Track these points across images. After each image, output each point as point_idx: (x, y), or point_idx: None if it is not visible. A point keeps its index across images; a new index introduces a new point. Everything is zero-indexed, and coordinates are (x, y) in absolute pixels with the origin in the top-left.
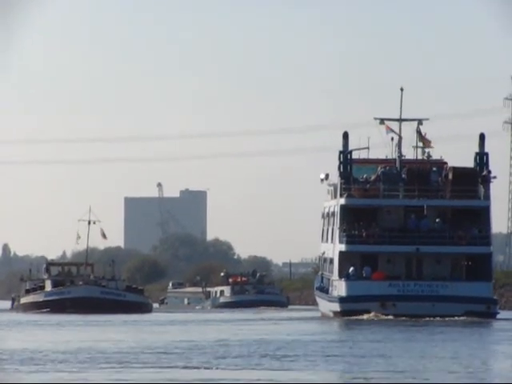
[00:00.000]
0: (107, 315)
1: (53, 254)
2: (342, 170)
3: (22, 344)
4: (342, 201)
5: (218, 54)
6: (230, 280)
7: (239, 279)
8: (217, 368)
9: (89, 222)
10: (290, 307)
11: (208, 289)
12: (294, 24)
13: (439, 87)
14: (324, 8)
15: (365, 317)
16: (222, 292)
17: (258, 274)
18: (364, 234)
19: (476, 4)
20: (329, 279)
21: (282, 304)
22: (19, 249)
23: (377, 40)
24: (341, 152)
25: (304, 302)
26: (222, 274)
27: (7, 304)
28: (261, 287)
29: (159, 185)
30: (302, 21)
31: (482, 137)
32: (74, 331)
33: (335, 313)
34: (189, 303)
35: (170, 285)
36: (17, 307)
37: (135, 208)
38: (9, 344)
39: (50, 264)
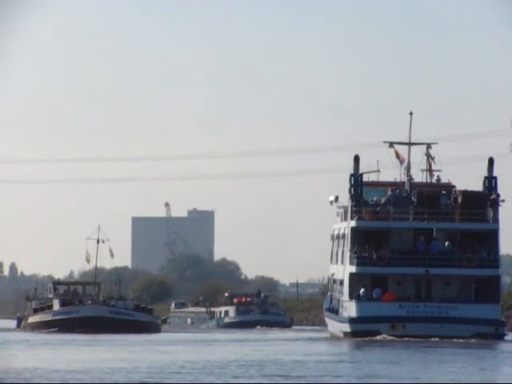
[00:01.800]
0: (116, 335)
1: (60, 274)
2: (352, 192)
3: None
4: (353, 223)
5: (225, 74)
6: (235, 300)
7: (244, 299)
8: None
9: (98, 241)
10: (294, 327)
11: (212, 309)
12: (305, 43)
13: (447, 110)
14: (336, 27)
15: (376, 338)
16: (226, 312)
17: (262, 295)
18: (374, 256)
19: (485, 25)
20: (339, 300)
21: (285, 324)
22: (26, 268)
23: (386, 62)
24: (352, 175)
25: (311, 322)
26: (227, 294)
27: (14, 323)
28: (265, 307)
29: (167, 204)
30: (314, 39)
31: (490, 161)
32: (92, 351)
33: (345, 333)
34: (192, 323)
35: (173, 305)
36: (24, 326)
37: (143, 228)
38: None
39: (56, 283)
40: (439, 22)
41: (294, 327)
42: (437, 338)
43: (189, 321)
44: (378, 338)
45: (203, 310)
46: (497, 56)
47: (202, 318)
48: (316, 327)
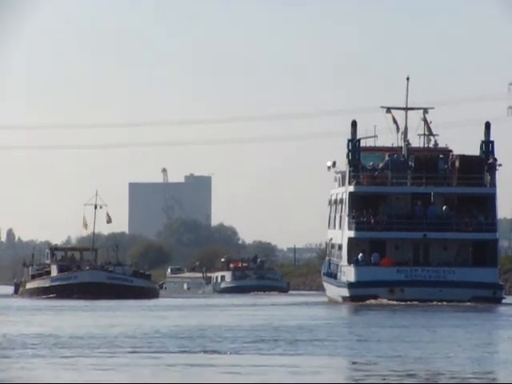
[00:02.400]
0: (115, 301)
1: (58, 240)
2: (350, 157)
3: (38, 329)
4: (351, 188)
5: (222, 38)
6: (231, 265)
7: (240, 265)
8: (230, 353)
9: (95, 207)
10: (291, 292)
11: (209, 274)
12: (302, 11)
13: (444, 74)
14: None
15: (374, 301)
16: (222, 277)
17: (258, 260)
18: (372, 221)
19: None
20: (337, 265)
21: (282, 289)
22: (24, 234)
23: (385, 28)
24: (349, 140)
25: (309, 287)
26: (223, 259)
27: (11, 289)
28: (261, 272)
29: (164, 170)
30: (312, 5)
31: (487, 125)
32: (94, 317)
33: (344, 298)
34: (188, 288)
35: (169, 270)
36: (22, 293)
37: (140, 193)
38: (25, 329)
39: (54, 249)
40: None
41: (290, 292)
42: (435, 302)
43: (185, 286)
44: (375, 301)
45: (199, 275)
46: (494, 20)
47: (198, 283)
48: (313, 292)
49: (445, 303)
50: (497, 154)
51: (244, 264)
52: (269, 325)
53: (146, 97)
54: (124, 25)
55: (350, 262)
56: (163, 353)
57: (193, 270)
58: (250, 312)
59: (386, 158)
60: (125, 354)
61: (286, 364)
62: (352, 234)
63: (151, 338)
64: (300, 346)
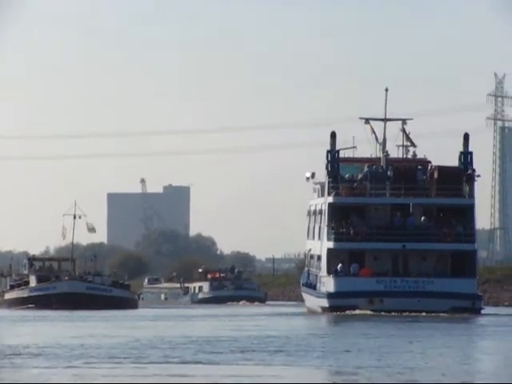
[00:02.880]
0: (94, 311)
1: (36, 250)
2: (329, 168)
3: (22, 340)
4: (330, 199)
5: (203, 50)
6: (209, 276)
7: (218, 275)
8: (219, 364)
9: (74, 217)
10: (268, 302)
11: (186, 284)
12: (282, 21)
13: (422, 85)
14: (312, 7)
15: (354, 312)
16: (200, 288)
17: (236, 270)
18: (352, 232)
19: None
20: (316, 275)
21: (259, 299)
22: (2, 244)
23: (362, 39)
24: (328, 151)
25: (287, 297)
26: (201, 270)
27: None
28: (239, 283)
29: (142, 180)
30: (291, 19)
31: (466, 137)
32: (74, 327)
33: (323, 308)
34: (166, 298)
35: (146, 280)
36: (0, 303)
37: (118, 204)
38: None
39: (31, 259)
40: None
41: (268, 302)
42: (414, 313)
43: (162, 296)
44: (355, 312)
45: (177, 285)
46: (472, 30)
47: (175, 293)
48: (292, 302)
49: (424, 314)
50: (475, 165)
51: (221, 274)
52: (253, 336)
53: (126, 107)
54: (109, 34)
55: (329, 272)
56: (148, 363)
57: (170, 280)
58: (234, 323)
59: (365, 169)
60: (105, 363)
61: (270, 374)
62: (331, 244)
63: (132, 349)
64: (284, 356)
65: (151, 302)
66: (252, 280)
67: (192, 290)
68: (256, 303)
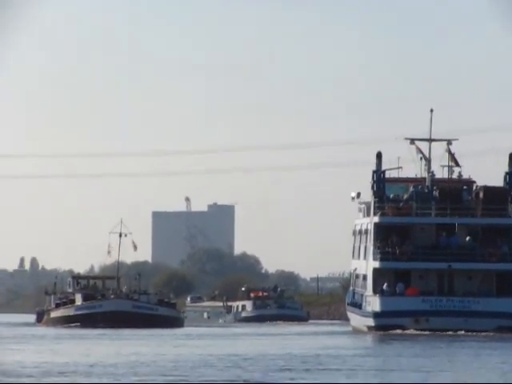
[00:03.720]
0: (139, 329)
1: (81, 268)
2: (375, 188)
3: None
4: (376, 219)
5: (241, 66)
6: (252, 295)
7: (260, 294)
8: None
9: (120, 235)
10: (310, 321)
11: (229, 303)
12: (324, 37)
13: (466, 104)
14: (352, 20)
15: (401, 331)
16: (243, 306)
17: (278, 289)
18: (397, 251)
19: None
20: (362, 295)
21: (302, 318)
22: (48, 263)
23: (405, 57)
24: (374, 171)
25: (331, 316)
26: (243, 288)
27: (33, 318)
28: (282, 302)
29: (187, 199)
30: (331, 34)
31: (511, 156)
32: (126, 345)
33: (369, 327)
34: (208, 317)
35: (189, 299)
36: (46, 321)
37: (163, 222)
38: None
39: (75, 277)
40: (456, 16)
41: (310, 321)
42: (461, 331)
43: (205, 315)
44: (401, 331)
45: (219, 304)
46: None
47: (218, 312)
48: (336, 321)
49: (469, 333)
50: None
51: (264, 293)
52: (307, 354)
53: (171, 126)
54: (139, 48)
55: (375, 291)
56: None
57: (212, 298)
58: (284, 341)
59: (411, 189)
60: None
61: None
62: (377, 264)
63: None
64: (337, 375)
65: (194, 320)
66: (294, 299)
67: (235, 309)
68: (297, 322)
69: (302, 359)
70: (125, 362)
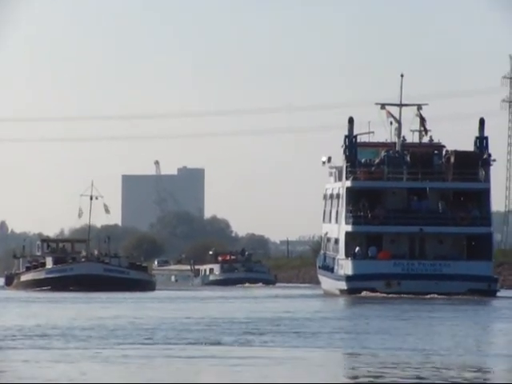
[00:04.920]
0: (111, 293)
1: (51, 232)
2: (347, 153)
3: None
4: (348, 183)
5: (216, 32)
6: (219, 258)
7: (228, 257)
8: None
9: (91, 197)
10: (279, 285)
11: (197, 267)
12: (298, 7)
13: (436, 68)
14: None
15: (372, 294)
16: (211, 270)
17: (246, 253)
18: (369, 215)
19: None
20: (333, 258)
21: (269, 282)
22: (17, 226)
23: (374, 24)
24: (346, 136)
25: (301, 279)
26: (211, 252)
27: (1, 281)
28: (249, 265)
29: (156, 163)
30: (309, 6)
31: (481, 121)
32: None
33: (342, 291)
34: (176, 280)
35: (156, 262)
36: (17, 285)
37: (133, 186)
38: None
39: (44, 241)
40: None
41: (278, 284)
42: (432, 295)
43: (173, 278)
44: (372, 294)
45: (187, 267)
46: (487, 13)
47: (185, 275)
48: (306, 284)
49: (441, 296)
50: (490, 149)
51: (232, 257)
52: (282, 318)
53: (140, 90)
54: (119, 17)
55: (347, 255)
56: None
57: (179, 262)
58: (258, 305)
59: (383, 153)
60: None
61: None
62: (349, 228)
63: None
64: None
65: (162, 283)
66: (262, 262)
67: (203, 273)
68: (265, 285)
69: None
70: (105, 326)
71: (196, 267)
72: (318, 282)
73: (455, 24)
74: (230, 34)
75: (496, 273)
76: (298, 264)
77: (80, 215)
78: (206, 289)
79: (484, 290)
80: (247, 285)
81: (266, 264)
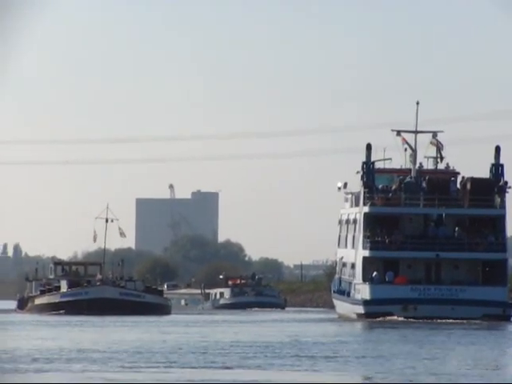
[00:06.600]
0: (127, 317)
1: (64, 255)
2: (365, 179)
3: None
4: (366, 209)
5: (229, 55)
6: (230, 282)
7: (238, 281)
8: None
9: (106, 220)
10: (289, 309)
11: (207, 290)
12: (314, 27)
13: (453, 94)
14: (344, 13)
15: (389, 318)
16: (221, 294)
17: (256, 277)
18: (387, 241)
19: (486, 6)
20: (350, 283)
21: (279, 305)
22: (31, 249)
23: (387, 48)
24: (364, 162)
25: (315, 303)
26: (221, 276)
27: (13, 305)
28: (259, 289)
29: (171, 186)
30: (322, 24)
31: (497, 149)
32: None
33: (359, 315)
34: (186, 304)
35: (165, 286)
36: (30, 308)
37: (147, 209)
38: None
39: (57, 263)
40: (445, 6)
41: (289, 309)
42: (448, 319)
43: (183, 302)
44: (389, 318)
45: (196, 291)
46: (500, 37)
47: (195, 299)
48: (320, 309)
49: (456, 321)
50: (506, 175)
51: (242, 281)
52: (297, 341)
53: (155, 113)
54: (128, 36)
55: (364, 279)
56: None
57: (188, 286)
58: (273, 329)
59: (398, 179)
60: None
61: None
62: (367, 253)
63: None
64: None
65: (173, 307)
66: (272, 286)
67: (213, 296)
68: (274, 309)
69: (309, 346)
70: (127, 349)
71: (206, 291)
72: (331, 306)
73: (471, 50)
74: (243, 57)
75: (511, 298)
76: (311, 288)
77: (95, 238)
78: (217, 312)
79: (499, 315)
80: (257, 309)
81: (275, 288)
